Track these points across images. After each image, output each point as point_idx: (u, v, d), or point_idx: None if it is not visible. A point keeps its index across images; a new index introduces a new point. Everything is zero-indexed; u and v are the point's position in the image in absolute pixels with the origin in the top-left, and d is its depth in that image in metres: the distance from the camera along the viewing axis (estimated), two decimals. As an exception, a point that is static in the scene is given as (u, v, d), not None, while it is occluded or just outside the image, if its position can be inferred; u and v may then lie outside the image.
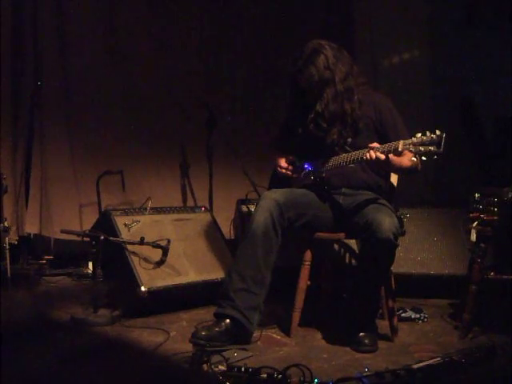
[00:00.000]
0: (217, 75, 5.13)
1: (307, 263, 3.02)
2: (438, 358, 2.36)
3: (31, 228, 4.52)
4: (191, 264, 3.61)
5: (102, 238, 3.20)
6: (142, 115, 4.85)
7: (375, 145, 2.79)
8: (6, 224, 3.54)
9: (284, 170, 3.21)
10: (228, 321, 2.81)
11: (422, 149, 2.61)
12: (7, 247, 3.50)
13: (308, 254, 3.03)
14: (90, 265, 3.59)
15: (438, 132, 2.59)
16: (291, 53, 3.13)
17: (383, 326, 3.09)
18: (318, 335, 3.04)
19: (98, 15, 4.75)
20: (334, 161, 3.01)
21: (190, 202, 4.93)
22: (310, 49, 3.00)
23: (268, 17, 5.27)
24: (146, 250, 3.42)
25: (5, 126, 4.43)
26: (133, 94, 4.82)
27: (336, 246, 3.74)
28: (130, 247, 3.40)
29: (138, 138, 4.86)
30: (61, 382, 0.66)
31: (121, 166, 4.60)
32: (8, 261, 3.49)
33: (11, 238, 3.88)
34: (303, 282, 3.02)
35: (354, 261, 3.73)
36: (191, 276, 3.56)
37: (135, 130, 4.84)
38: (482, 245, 2.96)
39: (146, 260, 3.42)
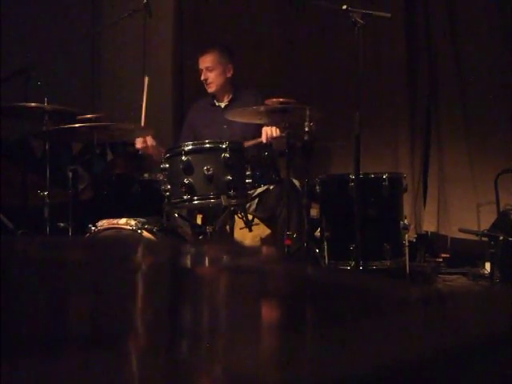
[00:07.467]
0: None
1: None
2: None
3: (429, 226, 4.64)
4: None
5: (501, 238, 3.09)
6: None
7: None
8: (405, 222, 3.68)
9: None
10: None
11: None
12: (406, 244, 3.64)
13: None
14: (487, 265, 3.51)
15: None
16: None
17: None
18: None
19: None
20: None
21: None
22: None
23: None
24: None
25: (403, 127, 4.67)
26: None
27: None
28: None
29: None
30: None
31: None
32: (407, 257, 3.63)
33: (410, 236, 4.04)
34: None
35: None
36: None
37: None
38: None
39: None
